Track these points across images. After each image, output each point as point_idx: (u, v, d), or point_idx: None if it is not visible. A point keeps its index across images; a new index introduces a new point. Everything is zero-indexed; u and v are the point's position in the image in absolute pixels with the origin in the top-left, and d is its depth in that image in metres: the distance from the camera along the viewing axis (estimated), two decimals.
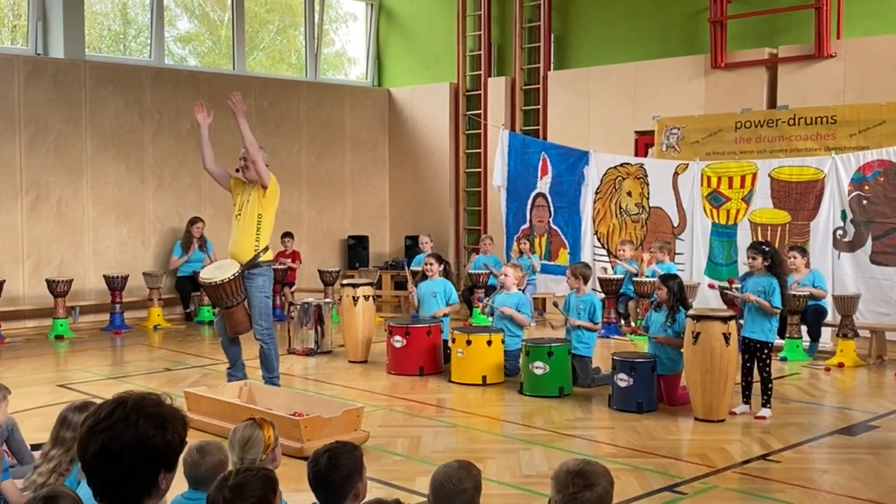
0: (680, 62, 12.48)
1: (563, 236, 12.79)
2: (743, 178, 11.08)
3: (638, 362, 7.41)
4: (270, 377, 7.66)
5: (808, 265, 9.94)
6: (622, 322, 11.54)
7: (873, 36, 11.12)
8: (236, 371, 7.77)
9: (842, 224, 10.32)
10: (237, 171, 7.54)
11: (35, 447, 4.97)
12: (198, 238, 12.86)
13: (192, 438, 5.63)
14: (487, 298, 9.25)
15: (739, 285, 7.56)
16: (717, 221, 11.31)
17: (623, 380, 7.35)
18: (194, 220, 12.90)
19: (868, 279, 10.07)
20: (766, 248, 7.32)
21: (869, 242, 10.15)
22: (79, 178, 12.52)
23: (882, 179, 10.09)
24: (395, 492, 5.23)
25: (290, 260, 13.31)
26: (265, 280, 7.54)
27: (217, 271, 7.41)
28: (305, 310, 10.18)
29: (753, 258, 7.28)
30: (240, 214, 7.43)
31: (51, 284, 11.42)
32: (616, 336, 11.13)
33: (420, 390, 8.25)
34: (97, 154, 12.65)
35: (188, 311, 12.85)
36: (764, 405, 7.17)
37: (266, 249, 7.53)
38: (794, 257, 9.81)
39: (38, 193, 12.25)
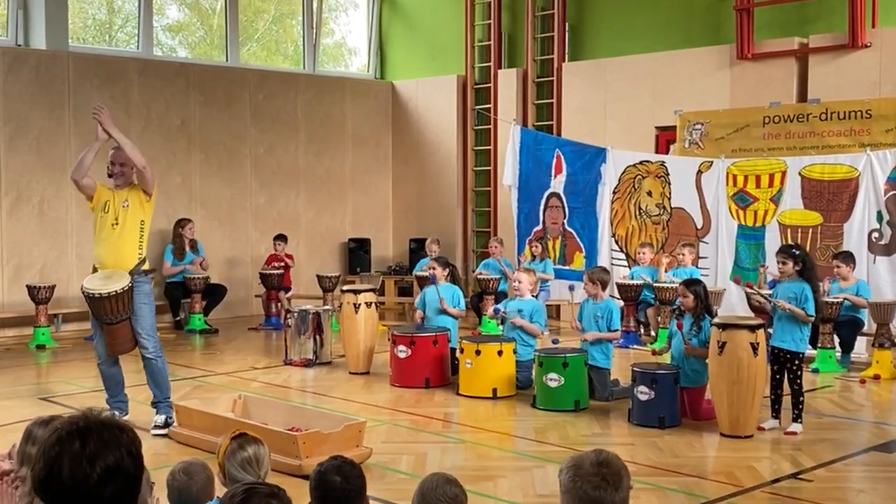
0: (703, 53, 12.47)
1: (578, 239, 12.78)
2: (771, 177, 11.05)
3: (660, 374, 7.40)
4: (165, 397, 7.34)
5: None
6: (642, 331, 11.52)
7: None
8: (120, 399, 7.50)
9: (878, 226, 10.29)
10: (110, 176, 7.33)
11: None
12: (189, 240, 12.88)
13: (185, 454, 5.59)
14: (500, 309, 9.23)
15: (770, 292, 7.55)
16: (743, 223, 11.28)
17: (644, 393, 7.34)
18: (184, 222, 12.91)
19: None
20: (797, 252, 7.30)
21: None
22: (62, 178, 12.54)
23: None
24: None
25: (286, 259, 13.32)
26: (150, 288, 7.36)
27: (103, 282, 7.11)
28: (303, 317, 10.18)
29: (784, 263, 7.26)
30: (117, 223, 7.16)
31: (32, 291, 11.45)
32: (636, 346, 11.12)
33: (426, 404, 8.24)
34: (81, 152, 12.64)
35: (178, 319, 12.87)
36: (795, 420, 7.15)
37: (145, 260, 7.33)
38: (838, 266, 9.78)
39: (18, 194, 12.28)
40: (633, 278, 11.59)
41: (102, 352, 7.40)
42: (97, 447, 2.09)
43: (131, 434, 2.18)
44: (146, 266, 7.38)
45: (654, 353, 8.70)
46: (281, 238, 13.42)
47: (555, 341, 8.25)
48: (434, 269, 9.61)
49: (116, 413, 7.25)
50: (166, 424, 7.16)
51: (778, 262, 7.38)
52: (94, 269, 7.35)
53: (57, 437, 2.13)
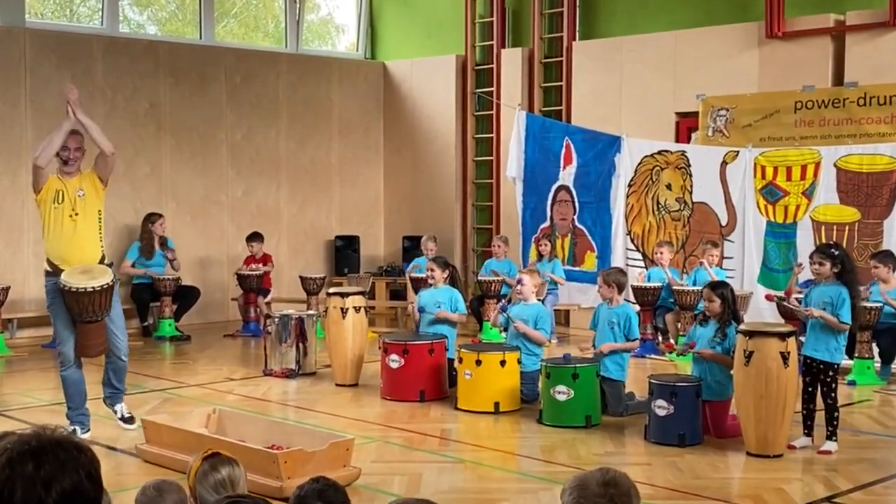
0: (729, 31, 12.47)
1: (589, 237, 12.78)
2: (804, 169, 11.06)
3: (680, 387, 7.40)
4: (123, 390, 7.85)
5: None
6: (660, 339, 11.53)
7: None
8: (83, 413, 7.61)
9: None
10: (66, 162, 7.43)
11: None
12: (159, 238, 12.84)
13: (152, 475, 5.58)
14: (499, 312, 9.25)
15: (801, 295, 7.54)
16: (772, 219, 11.29)
17: (662, 407, 7.34)
18: (154, 218, 12.86)
19: None
20: (836, 252, 7.29)
21: None
22: (17, 167, 12.54)
23: None
24: None
25: (260, 264, 13.28)
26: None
27: (86, 276, 7.31)
28: (285, 323, 10.17)
29: (821, 263, 7.25)
30: (76, 214, 7.35)
31: None
32: (653, 355, 11.12)
33: (421, 419, 8.24)
34: (39, 139, 12.59)
35: (146, 324, 12.85)
36: (829, 438, 7.15)
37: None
38: (876, 266, 9.79)
39: None
40: (649, 280, 11.58)
41: (71, 355, 7.48)
42: (53, 469, 2.09)
43: (90, 454, 2.17)
44: (106, 259, 7.63)
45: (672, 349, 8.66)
46: (255, 238, 13.31)
47: (566, 357, 8.22)
48: (432, 270, 9.59)
49: (77, 429, 7.33)
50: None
51: (814, 264, 7.37)
52: (52, 267, 7.39)
53: (7, 458, 2.12)
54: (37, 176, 7.38)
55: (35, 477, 2.08)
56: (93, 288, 7.20)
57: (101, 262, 7.51)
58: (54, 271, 7.35)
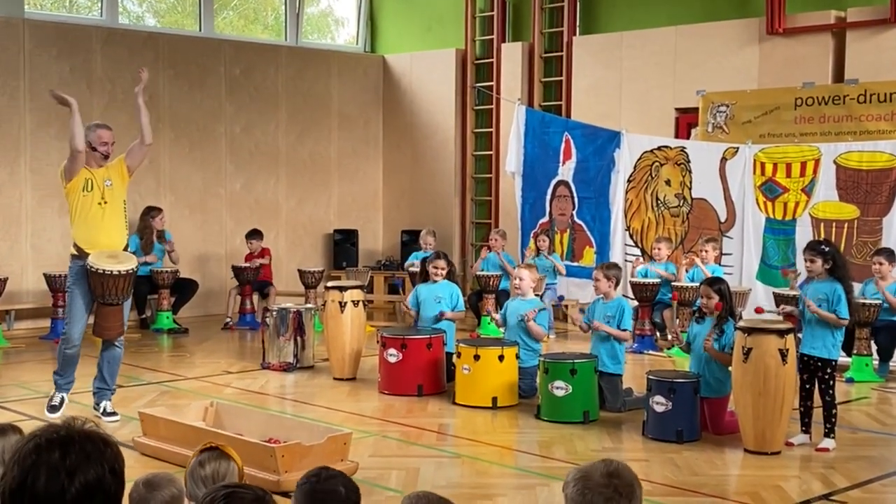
0: (730, 27, 12.46)
1: (588, 232, 12.78)
2: (803, 165, 11.06)
3: (678, 383, 7.40)
4: (112, 388, 7.99)
5: None
6: (658, 334, 11.53)
7: None
8: (72, 381, 7.95)
9: None
10: (107, 157, 7.77)
11: None
12: (157, 232, 12.81)
13: (148, 468, 5.58)
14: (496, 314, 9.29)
15: (799, 282, 7.55)
16: (772, 216, 11.29)
17: (660, 403, 7.34)
18: (154, 212, 12.81)
19: None
20: (827, 249, 7.32)
21: None
22: (15, 159, 12.52)
23: None
24: None
25: (259, 259, 13.24)
26: None
27: (113, 260, 7.64)
28: (283, 317, 10.17)
29: (812, 261, 7.27)
30: (105, 202, 7.67)
31: None
32: (651, 351, 11.12)
33: (418, 413, 8.25)
34: (37, 130, 12.65)
35: (143, 317, 12.84)
36: (827, 435, 7.15)
37: None
38: (880, 263, 9.81)
39: None
40: (645, 276, 11.55)
41: (75, 337, 7.73)
42: (78, 460, 2.13)
43: (115, 449, 2.22)
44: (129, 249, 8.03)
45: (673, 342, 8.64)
46: (254, 235, 13.26)
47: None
48: (441, 268, 9.49)
49: (64, 395, 7.80)
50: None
51: (805, 261, 7.39)
52: (79, 251, 7.65)
53: (34, 444, 2.16)
54: (75, 162, 7.66)
55: (60, 466, 2.11)
56: (118, 271, 7.54)
57: (125, 249, 7.83)
58: (80, 255, 7.65)
